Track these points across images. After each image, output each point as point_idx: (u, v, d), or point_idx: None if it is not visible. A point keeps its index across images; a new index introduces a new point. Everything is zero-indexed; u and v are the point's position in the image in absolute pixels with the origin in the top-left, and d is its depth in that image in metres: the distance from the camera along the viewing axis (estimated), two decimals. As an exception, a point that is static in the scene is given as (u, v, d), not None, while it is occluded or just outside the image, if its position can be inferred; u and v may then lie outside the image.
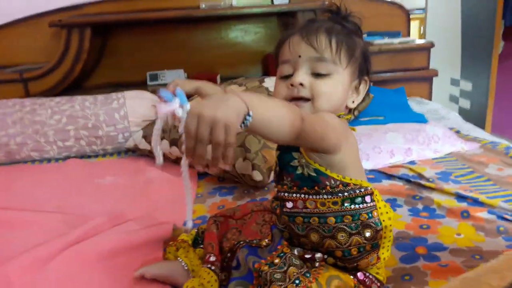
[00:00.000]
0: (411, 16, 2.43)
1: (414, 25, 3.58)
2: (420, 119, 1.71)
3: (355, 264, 0.77)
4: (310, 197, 0.76)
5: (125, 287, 0.90)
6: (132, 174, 1.52)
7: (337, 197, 0.75)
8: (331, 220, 0.75)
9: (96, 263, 0.97)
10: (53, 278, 0.92)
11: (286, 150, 0.78)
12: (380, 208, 0.77)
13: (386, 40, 2.17)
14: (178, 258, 0.91)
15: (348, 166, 0.75)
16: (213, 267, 0.83)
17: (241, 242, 0.85)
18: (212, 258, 0.85)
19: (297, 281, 0.71)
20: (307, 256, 0.77)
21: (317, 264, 0.75)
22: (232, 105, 0.53)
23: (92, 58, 2.08)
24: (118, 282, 0.91)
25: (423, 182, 1.25)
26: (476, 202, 1.11)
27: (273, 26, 2.25)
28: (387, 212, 0.78)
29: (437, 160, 1.45)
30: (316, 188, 0.75)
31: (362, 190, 0.76)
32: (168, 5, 2.14)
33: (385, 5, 2.30)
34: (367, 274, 0.78)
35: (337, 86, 0.76)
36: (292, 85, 0.75)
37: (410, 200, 1.17)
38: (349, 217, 0.75)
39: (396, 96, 1.96)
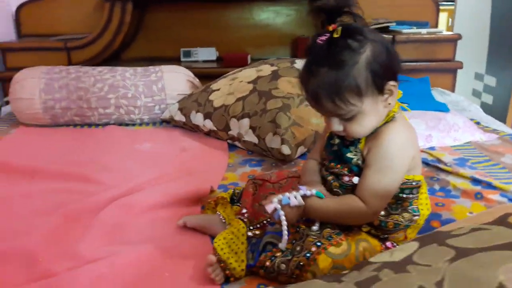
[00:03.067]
0: (440, 8, 2.47)
1: (443, 17, 3.58)
2: (442, 108, 1.78)
3: (386, 236, 0.88)
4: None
5: (169, 234, 1.02)
6: (168, 142, 1.64)
7: None
8: None
9: (141, 214, 1.10)
10: (104, 225, 1.05)
11: (343, 142, 0.88)
12: (421, 199, 0.88)
13: (414, 30, 2.22)
14: (217, 212, 1.03)
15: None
16: (243, 218, 0.94)
17: None
18: (244, 211, 0.96)
19: (329, 238, 0.82)
20: None
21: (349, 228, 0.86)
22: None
23: (131, 32, 2.19)
24: (163, 230, 1.04)
25: (441, 165, 1.34)
26: (489, 186, 1.19)
27: (304, 9, 2.32)
28: (426, 204, 0.89)
29: (456, 147, 1.53)
30: None
31: (413, 183, 0.86)
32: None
33: (416, -5, 2.34)
34: (395, 244, 0.88)
35: (364, 119, 0.81)
36: None
37: (428, 180, 1.25)
38: (393, 200, 0.86)
39: (421, 85, 2.03)
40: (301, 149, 1.41)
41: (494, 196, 1.14)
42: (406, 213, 0.87)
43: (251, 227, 0.94)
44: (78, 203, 1.09)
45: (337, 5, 0.79)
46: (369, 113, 0.81)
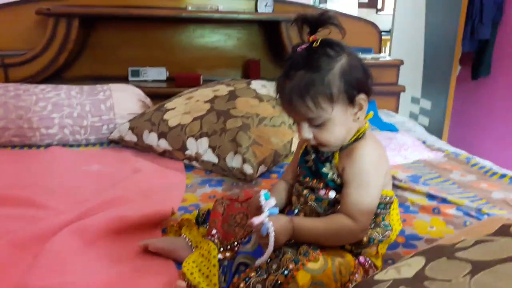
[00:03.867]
0: (380, 36, 2.61)
1: (380, 45, 3.81)
2: (392, 128, 1.85)
3: (359, 251, 0.87)
4: (339, 194, 0.86)
5: (128, 260, 0.94)
6: (118, 163, 1.55)
7: None
8: None
9: (96, 240, 1.01)
10: (55, 254, 0.95)
11: (318, 157, 0.88)
12: (393, 215, 0.89)
13: (360, 55, 2.31)
14: (182, 234, 0.97)
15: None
16: (213, 239, 0.89)
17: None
18: (213, 231, 0.91)
19: (306, 254, 0.79)
20: None
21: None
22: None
23: (75, 50, 2.08)
24: (122, 256, 0.95)
25: (396, 182, 1.38)
26: (444, 201, 1.24)
27: (255, 33, 2.35)
28: (398, 219, 0.91)
29: (407, 165, 1.58)
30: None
31: (386, 199, 0.88)
32: (155, 3, 2.18)
33: (361, 23, 2.46)
34: (367, 259, 0.87)
35: (334, 128, 0.82)
36: None
37: (386, 197, 1.28)
38: None
39: (369, 107, 2.10)
40: (261, 168, 1.39)
41: (451, 210, 1.19)
42: (379, 228, 0.87)
43: (222, 249, 0.89)
44: (25, 230, 0.98)
45: (320, 17, 0.82)
46: (338, 123, 0.82)
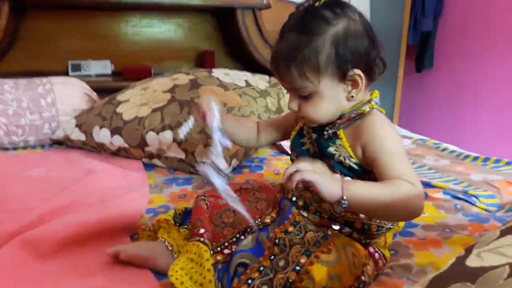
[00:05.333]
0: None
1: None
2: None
3: (368, 240, 0.78)
4: (347, 177, 0.75)
5: (94, 273, 0.78)
6: (66, 165, 1.35)
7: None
8: None
9: (52, 252, 0.84)
10: (4, 268, 0.76)
11: (321, 135, 0.78)
12: None
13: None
14: (160, 238, 0.82)
15: None
16: (202, 239, 0.76)
17: (248, 230, 0.80)
18: (202, 231, 0.78)
19: (317, 244, 0.68)
20: (323, 223, 0.76)
21: (329, 232, 0.73)
22: (329, 188, 0.63)
23: (5, 40, 1.83)
24: (86, 269, 0.79)
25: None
26: (429, 185, 1.20)
27: (208, 22, 2.21)
28: None
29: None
30: (352, 175, 0.75)
31: None
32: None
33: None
34: (377, 249, 0.78)
35: (320, 103, 0.74)
36: None
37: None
38: None
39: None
40: (234, 162, 1.27)
41: (438, 194, 1.14)
42: None
43: (211, 252, 0.76)
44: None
45: None
46: (326, 98, 0.73)
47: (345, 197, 0.63)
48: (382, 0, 2.99)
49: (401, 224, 0.82)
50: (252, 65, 2.05)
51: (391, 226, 0.79)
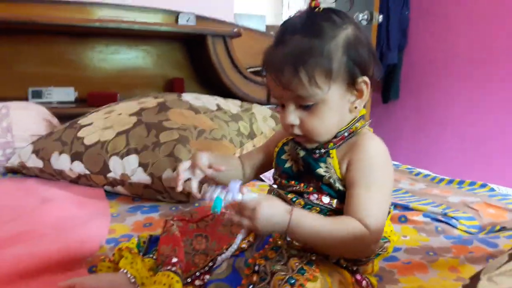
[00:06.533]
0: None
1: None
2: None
3: (356, 267, 0.71)
4: (335, 200, 0.70)
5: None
6: (19, 194, 1.23)
7: None
8: None
9: (4, 285, 0.72)
10: None
11: (311, 154, 0.72)
12: (387, 226, 0.74)
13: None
14: (122, 269, 0.73)
15: None
16: (174, 268, 0.68)
17: (223, 256, 0.72)
18: (174, 260, 0.69)
19: (302, 271, 0.61)
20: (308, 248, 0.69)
21: (313, 258, 0.67)
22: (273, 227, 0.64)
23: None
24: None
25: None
26: (407, 208, 1.16)
27: (177, 49, 2.18)
28: (391, 230, 0.76)
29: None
30: (341, 198, 0.70)
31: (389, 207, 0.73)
32: (60, 15, 1.91)
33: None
34: (364, 277, 0.72)
35: (326, 113, 0.68)
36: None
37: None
38: None
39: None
40: (204, 187, 1.19)
41: (418, 217, 1.10)
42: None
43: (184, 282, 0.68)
44: None
45: None
46: (333, 108, 0.67)
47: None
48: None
49: (390, 249, 0.76)
50: (223, 92, 2.02)
51: (380, 252, 0.73)
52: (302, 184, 0.72)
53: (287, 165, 0.75)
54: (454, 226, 1.06)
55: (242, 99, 1.88)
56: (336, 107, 0.68)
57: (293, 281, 0.59)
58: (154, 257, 0.76)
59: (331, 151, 0.70)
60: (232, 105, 1.59)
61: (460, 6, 2.60)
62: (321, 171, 0.69)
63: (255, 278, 0.62)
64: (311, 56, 0.64)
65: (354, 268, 0.71)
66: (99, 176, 1.25)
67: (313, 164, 0.71)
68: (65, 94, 1.96)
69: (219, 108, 1.50)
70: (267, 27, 5.19)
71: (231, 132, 1.38)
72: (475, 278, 0.47)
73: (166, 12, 2.11)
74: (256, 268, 0.63)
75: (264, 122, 1.58)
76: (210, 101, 1.52)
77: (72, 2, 1.95)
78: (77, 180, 1.31)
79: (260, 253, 0.67)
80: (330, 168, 0.69)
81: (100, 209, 1.15)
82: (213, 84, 2.12)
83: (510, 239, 0.98)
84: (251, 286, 0.62)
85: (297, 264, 0.63)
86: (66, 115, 1.71)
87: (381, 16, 2.77)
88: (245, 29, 2.23)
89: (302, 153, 0.73)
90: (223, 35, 1.98)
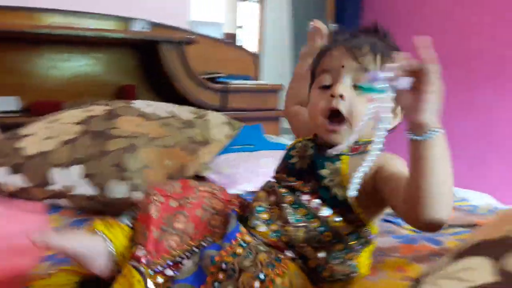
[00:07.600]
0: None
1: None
2: (283, 147, 1.78)
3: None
4: (325, 208, 0.69)
5: None
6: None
7: (347, 227, 0.69)
8: (328, 235, 0.68)
9: None
10: None
11: (320, 152, 0.72)
12: (362, 257, 0.73)
13: (241, 81, 2.25)
14: (98, 231, 0.69)
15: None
16: (137, 266, 0.65)
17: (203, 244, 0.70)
18: (140, 253, 0.66)
19: (271, 266, 0.61)
20: (278, 246, 0.68)
21: (281, 256, 0.66)
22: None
23: None
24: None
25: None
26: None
27: (129, 57, 2.12)
28: (366, 264, 0.74)
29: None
30: (333, 207, 0.69)
31: (371, 236, 0.72)
32: (6, 21, 1.82)
33: (238, 50, 2.43)
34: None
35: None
36: (332, 95, 0.70)
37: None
38: (341, 246, 0.69)
39: (256, 131, 2.04)
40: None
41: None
42: (343, 266, 0.70)
43: (152, 272, 0.65)
44: None
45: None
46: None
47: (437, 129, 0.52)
48: (303, 35, 3.11)
49: (354, 281, 0.74)
50: (178, 99, 1.98)
51: (342, 278, 0.71)
52: (300, 182, 0.72)
53: (293, 160, 0.76)
54: (400, 225, 1.07)
55: (198, 106, 1.86)
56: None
57: (263, 277, 0.58)
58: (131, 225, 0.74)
59: (342, 157, 0.70)
60: (185, 112, 1.56)
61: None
62: (323, 172, 0.70)
63: (221, 276, 0.61)
64: (387, 50, 0.71)
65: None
66: (39, 189, 1.18)
67: (318, 163, 0.71)
68: (9, 103, 1.86)
69: (171, 115, 1.46)
70: (225, 34, 5.22)
71: (184, 140, 1.35)
72: (419, 281, 0.47)
73: (118, 18, 2.06)
74: (224, 266, 0.62)
75: (218, 128, 1.56)
76: (162, 108, 1.49)
77: (20, 8, 1.87)
78: (17, 194, 1.23)
79: (227, 251, 0.65)
80: (334, 172, 0.69)
81: (37, 224, 1.08)
82: (168, 91, 2.08)
83: (453, 236, 1.00)
84: (216, 284, 0.60)
85: (266, 259, 0.62)
86: (9, 125, 1.62)
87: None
88: (201, 36, 2.22)
89: (311, 151, 0.74)
90: (177, 42, 1.95)
